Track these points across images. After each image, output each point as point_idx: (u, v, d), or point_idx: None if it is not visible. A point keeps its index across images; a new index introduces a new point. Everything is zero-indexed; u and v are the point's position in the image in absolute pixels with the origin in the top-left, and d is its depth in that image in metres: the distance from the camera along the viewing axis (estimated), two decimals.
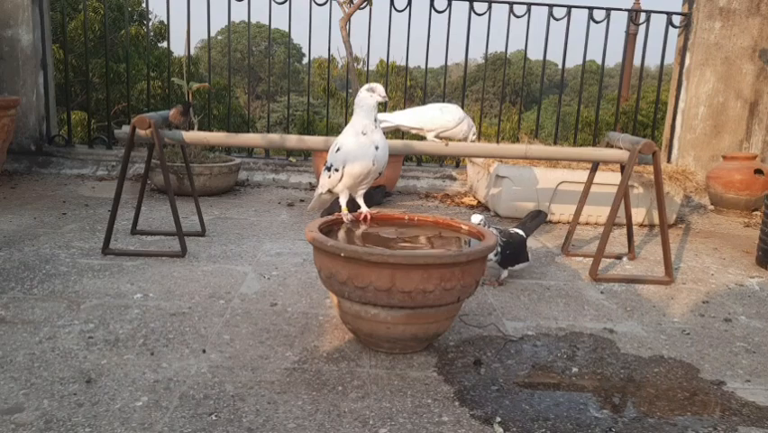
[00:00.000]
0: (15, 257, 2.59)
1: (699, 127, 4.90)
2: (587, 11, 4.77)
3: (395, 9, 4.80)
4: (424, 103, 4.74)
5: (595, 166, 3.09)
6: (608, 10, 4.81)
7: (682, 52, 4.96)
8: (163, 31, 9.05)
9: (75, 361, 1.71)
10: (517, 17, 4.81)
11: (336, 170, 2.07)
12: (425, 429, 1.47)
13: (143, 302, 2.17)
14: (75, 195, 3.98)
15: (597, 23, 4.79)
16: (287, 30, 5.06)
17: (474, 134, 2.97)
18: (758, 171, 4.40)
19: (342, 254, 1.72)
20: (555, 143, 5.15)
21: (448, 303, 1.79)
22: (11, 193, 3.94)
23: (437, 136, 2.85)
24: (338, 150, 2.06)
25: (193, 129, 4.05)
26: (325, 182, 2.15)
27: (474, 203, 4.32)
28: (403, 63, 5.93)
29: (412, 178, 4.93)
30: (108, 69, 5.36)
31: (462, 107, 4.62)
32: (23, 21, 4.54)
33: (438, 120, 2.84)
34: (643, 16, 4.95)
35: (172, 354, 1.79)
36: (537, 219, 2.75)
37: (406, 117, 2.91)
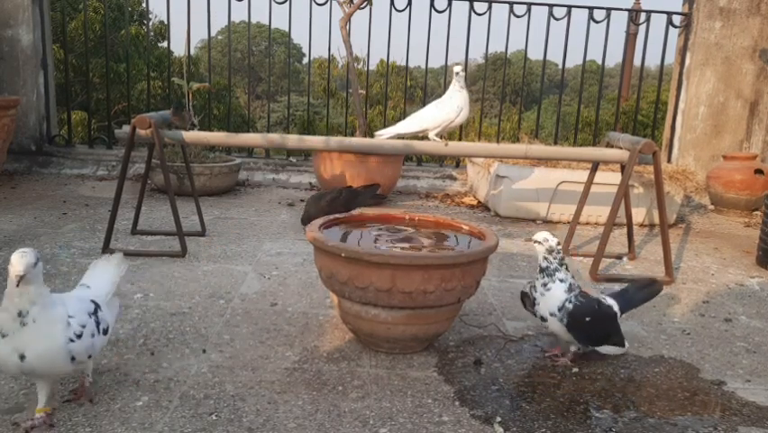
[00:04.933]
0: None
1: (699, 127, 4.90)
2: (587, 11, 4.77)
3: (395, 9, 4.80)
4: (424, 103, 4.74)
5: (595, 166, 3.09)
6: (609, 10, 4.80)
7: (683, 52, 4.95)
8: (163, 31, 9.04)
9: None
10: (518, 17, 4.81)
11: None
12: (425, 429, 1.47)
13: (144, 302, 2.17)
14: (75, 195, 3.98)
15: (597, 22, 4.79)
16: (287, 30, 5.06)
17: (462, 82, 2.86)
18: (758, 171, 4.40)
19: (343, 255, 1.72)
20: (555, 143, 5.15)
21: (448, 304, 1.79)
22: (11, 193, 3.94)
23: (442, 131, 2.83)
24: None
25: (194, 129, 4.05)
26: None
27: (474, 203, 4.32)
28: (403, 63, 5.92)
29: (412, 178, 4.92)
30: (108, 69, 5.36)
31: None
32: (24, 21, 4.54)
33: (439, 117, 2.81)
34: (643, 16, 4.95)
35: (172, 353, 1.79)
36: (648, 291, 1.99)
37: (406, 124, 2.90)
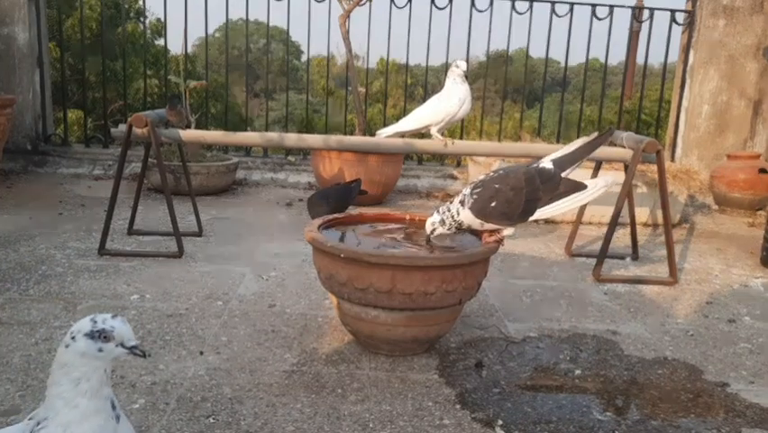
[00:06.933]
0: (11, 257, 2.56)
1: (702, 126, 4.87)
2: (590, 8, 4.74)
3: (395, 6, 4.77)
4: (424, 101, 4.71)
5: (598, 165, 3.06)
6: (611, 7, 4.77)
7: (686, 50, 4.92)
8: (160, 29, 9.02)
9: None
10: (520, 14, 4.78)
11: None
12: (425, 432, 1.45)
13: (140, 303, 2.15)
14: (71, 194, 3.95)
15: (600, 20, 4.76)
16: (285, 27, 5.03)
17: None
18: (762, 170, 4.37)
19: (342, 255, 1.69)
20: (558, 142, 5.12)
21: (449, 305, 1.76)
22: (7, 192, 3.91)
23: (445, 126, 2.78)
24: None
25: (190, 127, 4.02)
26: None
27: None
28: (403, 61, 5.89)
29: (413, 177, 4.89)
30: (105, 68, 5.33)
31: None
32: (20, 19, 4.51)
33: (442, 110, 2.76)
34: (646, 14, 4.92)
35: (169, 355, 1.76)
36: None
37: (409, 121, 2.85)
